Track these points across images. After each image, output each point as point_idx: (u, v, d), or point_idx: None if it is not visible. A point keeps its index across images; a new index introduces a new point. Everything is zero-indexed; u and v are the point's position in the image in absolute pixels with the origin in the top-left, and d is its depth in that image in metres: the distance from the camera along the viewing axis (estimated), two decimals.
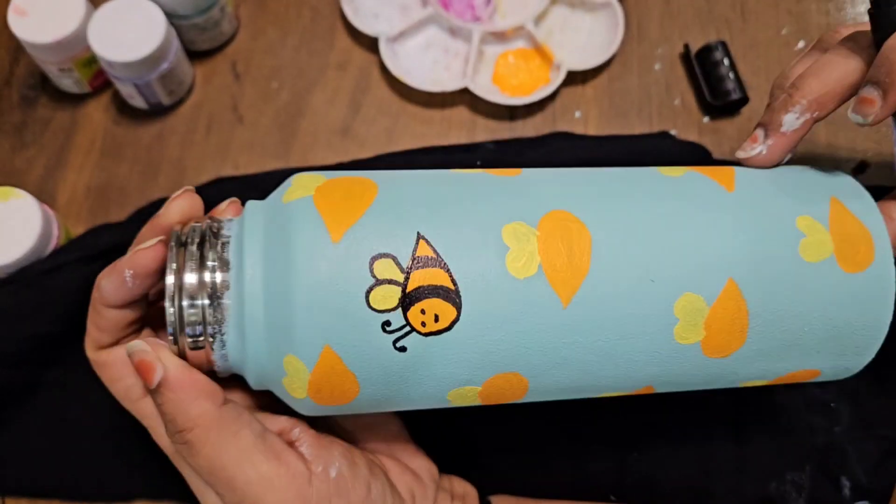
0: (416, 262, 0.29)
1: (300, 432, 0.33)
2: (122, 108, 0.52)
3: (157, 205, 0.48)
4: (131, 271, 0.31)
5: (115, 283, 0.31)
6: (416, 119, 0.53)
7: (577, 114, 0.53)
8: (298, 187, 0.31)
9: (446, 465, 0.39)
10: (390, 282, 0.29)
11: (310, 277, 0.29)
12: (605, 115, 0.53)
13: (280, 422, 0.33)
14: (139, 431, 0.43)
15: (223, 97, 0.53)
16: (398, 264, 0.29)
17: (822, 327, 0.33)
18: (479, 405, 0.34)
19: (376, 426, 0.37)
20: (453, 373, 0.31)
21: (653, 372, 0.33)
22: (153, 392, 0.30)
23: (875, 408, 0.44)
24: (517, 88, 0.53)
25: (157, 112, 0.52)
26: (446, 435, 0.40)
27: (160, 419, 0.33)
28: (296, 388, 0.30)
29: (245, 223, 0.31)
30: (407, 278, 0.29)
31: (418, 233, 0.30)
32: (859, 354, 0.34)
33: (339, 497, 0.31)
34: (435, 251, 0.30)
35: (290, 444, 0.32)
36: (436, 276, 0.29)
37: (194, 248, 0.31)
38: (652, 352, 0.32)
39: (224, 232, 0.31)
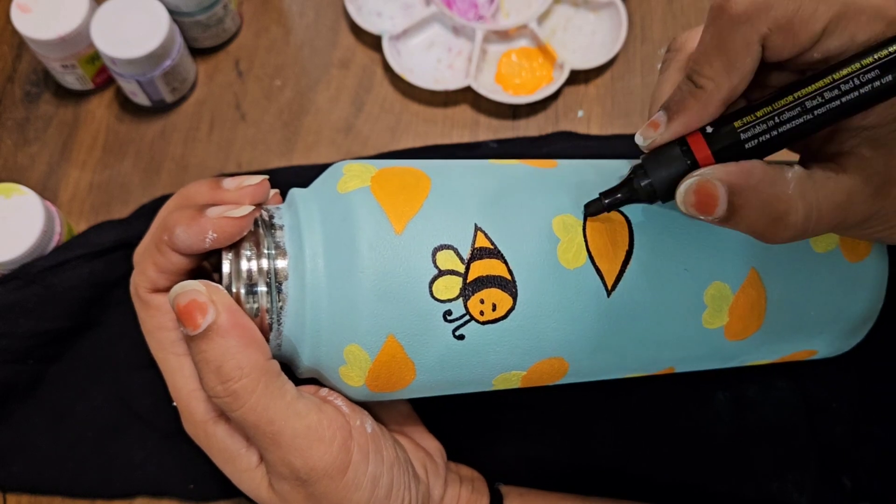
0: (475, 253, 0.30)
1: (329, 391, 0.33)
2: (125, 105, 0.52)
3: (159, 202, 0.48)
4: (215, 235, 0.30)
5: (194, 238, 0.30)
6: (418, 117, 0.53)
7: (580, 113, 0.53)
8: (353, 177, 0.32)
9: (449, 454, 0.39)
10: (452, 272, 0.30)
11: (376, 268, 0.30)
12: (608, 115, 0.53)
13: (306, 385, 0.33)
14: (140, 429, 0.43)
15: (226, 95, 0.53)
16: (459, 255, 0.30)
17: (827, 312, 0.35)
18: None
19: (388, 404, 0.37)
20: (504, 359, 0.32)
21: (679, 354, 0.35)
22: (197, 338, 0.29)
23: (876, 407, 0.44)
24: (520, 87, 0.53)
25: (159, 109, 0.52)
26: (448, 426, 0.40)
27: (184, 374, 0.32)
28: (354, 377, 0.31)
29: (300, 212, 0.32)
30: (467, 269, 0.30)
31: (475, 224, 0.31)
32: (853, 335, 0.37)
33: (376, 453, 0.32)
34: (492, 242, 0.31)
35: (324, 400, 0.32)
36: (494, 267, 0.31)
37: (250, 235, 0.31)
38: (681, 336, 0.34)
39: (276, 221, 0.32)
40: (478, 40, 0.53)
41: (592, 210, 0.31)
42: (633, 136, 0.51)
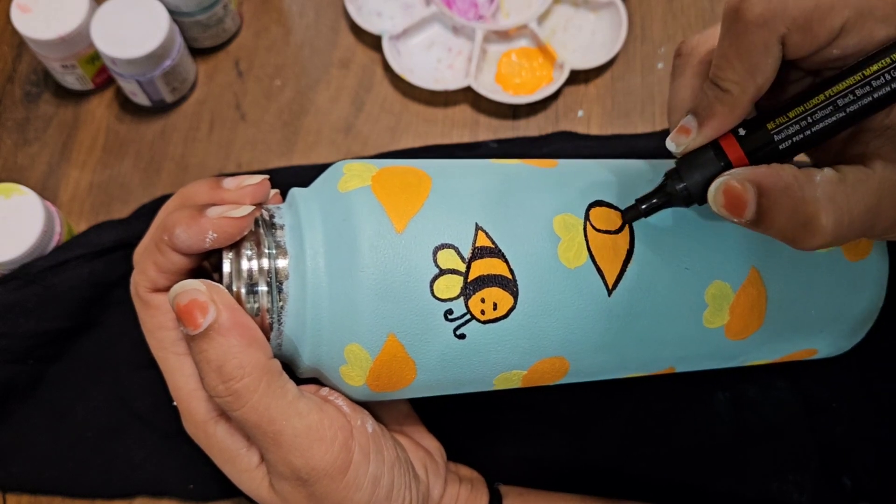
0: (476, 252, 0.30)
1: (329, 391, 0.33)
2: (125, 105, 0.52)
3: (159, 201, 0.48)
4: (215, 235, 0.30)
5: (194, 238, 0.30)
6: (418, 117, 0.53)
7: (580, 113, 0.53)
8: (353, 176, 0.32)
9: (449, 454, 0.39)
10: (453, 271, 0.30)
11: (377, 268, 0.30)
12: (608, 115, 0.53)
13: (307, 384, 0.33)
14: (140, 429, 0.43)
15: (226, 94, 0.53)
16: (460, 254, 0.30)
17: (827, 310, 0.35)
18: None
19: (388, 404, 0.37)
20: (505, 358, 0.32)
21: (679, 354, 0.35)
22: (198, 337, 0.29)
23: (876, 407, 0.44)
24: (520, 87, 0.53)
25: (159, 109, 0.52)
26: (448, 425, 0.40)
27: (184, 374, 0.32)
28: (354, 377, 0.31)
29: (300, 211, 0.32)
30: (468, 268, 0.30)
31: (476, 224, 0.31)
32: (854, 335, 0.37)
33: (377, 453, 0.32)
34: (493, 242, 0.31)
35: (325, 399, 0.32)
36: (495, 266, 0.31)
37: (250, 234, 0.31)
38: (681, 335, 0.34)
39: (277, 220, 0.32)
40: (478, 40, 0.53)
41: (630, 216, 0.31)
42: (633, 136, 0.52)
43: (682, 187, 0.29)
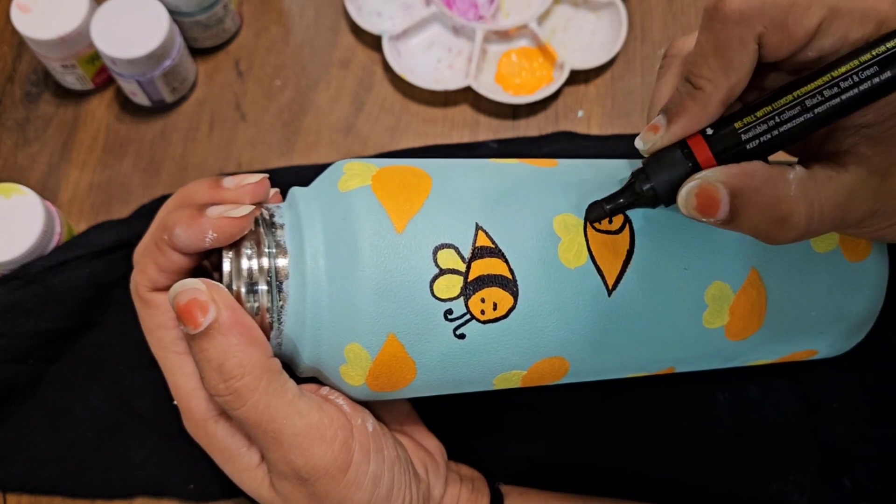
0: (476, 252, 0.30)
1: (329, 390, 0.33)
2: (125, 105, 0.52)
3: (159, 202, 0.48)
4: (215, 235, 0.30)
5: (194, 237, 0.30)
6: (418, 117, 0.53)
7: (580, 113, 0.53)
8: (353, 176, 0.32)
9: (450, 454, 0.39)
10: (453, 271, 0.30)
11: (377, 268, 0.30)
12: (608, 115, 0.53)
13: (307, 384, 0.33)
14: (140, 429, 0.43)
15: (226, 94, 0.53)
16: (460, 254, 0.30)
17: (827, 311, 0.35)
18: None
19: (389, 403, 0.37)
20: (505, 358, 0.32)
21: (679, 354, 0.35)
22: (198, 336, 0.29)
23: (876, 408, 0.44)
24: (520, 87, 0.53)
25: (159, 109, 0.52)
26: (449, 425, 0.40)
27: (184, 373, 0.32)
28: (354, 376, 0.31)
29: (300, 211, 0.32)
30: (468, 268, 0.30)
31: (476, 223, 0.31)
32: (854, 336, 0.37)
33: (377, 452, 0.32)
34: (493, 242, 0.31)
35: (325, 399, 0.32)
36: (495, 266, 0.31)
37: (250, 233, 0.31)
38: (681, 335, 0.34)
39: (277, 219, 0.32)
40: (478, 40, 0.53)
41: (594, 216, 0.31)
42: (633, 136, 0.51)
43: (650, 188, 0.29)
